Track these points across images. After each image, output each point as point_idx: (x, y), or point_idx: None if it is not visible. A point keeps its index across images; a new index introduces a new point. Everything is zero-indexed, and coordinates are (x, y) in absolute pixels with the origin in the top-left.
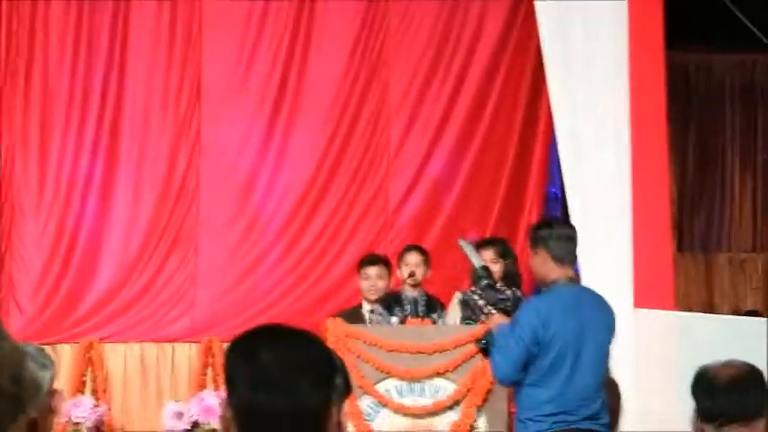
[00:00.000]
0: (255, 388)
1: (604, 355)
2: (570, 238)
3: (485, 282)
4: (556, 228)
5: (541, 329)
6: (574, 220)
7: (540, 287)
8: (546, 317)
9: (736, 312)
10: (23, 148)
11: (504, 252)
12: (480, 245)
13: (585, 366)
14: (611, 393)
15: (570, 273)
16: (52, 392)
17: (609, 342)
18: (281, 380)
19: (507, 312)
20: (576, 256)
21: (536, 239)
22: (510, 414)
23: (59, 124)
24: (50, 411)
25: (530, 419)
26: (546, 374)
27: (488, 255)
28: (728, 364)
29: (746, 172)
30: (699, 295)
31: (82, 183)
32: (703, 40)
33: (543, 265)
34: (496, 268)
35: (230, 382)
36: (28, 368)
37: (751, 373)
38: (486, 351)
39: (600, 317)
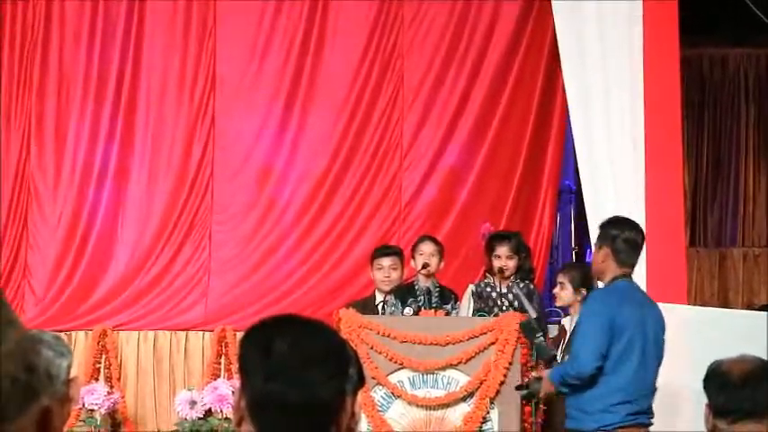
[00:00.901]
0: (269, 378)
1: (660, 351)
2: (637, 244)
3: (540, 337)
4: (626, 230)
5: (616, 315)
6: (589, 214)
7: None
8: (617, 303)
9: (750, 307)
10: (39, 136)
11: (519, 247)
12: (495, 239)
13: (648, 359)
14: None
15: (629, 273)
16: (69, 381)
17: (663, 339)
18: (294, 371)
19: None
20: (636, 262)
21: (604, 236)
22: (523, 407)
23: (75, 113)
24: (67, 399)
25: (602, 411)
26: (617, 362)
27: (503, 251)
28: (742, 360)
29: (760, 166)
30: (712, 290)
31: (97, 171)
32: (717, 35)
33: (604, 261)
34: (511, 264)
35: (244, 373)
36: (42, 356)
37: (764, 368)
38: (528, 397)
39: (655, 314)
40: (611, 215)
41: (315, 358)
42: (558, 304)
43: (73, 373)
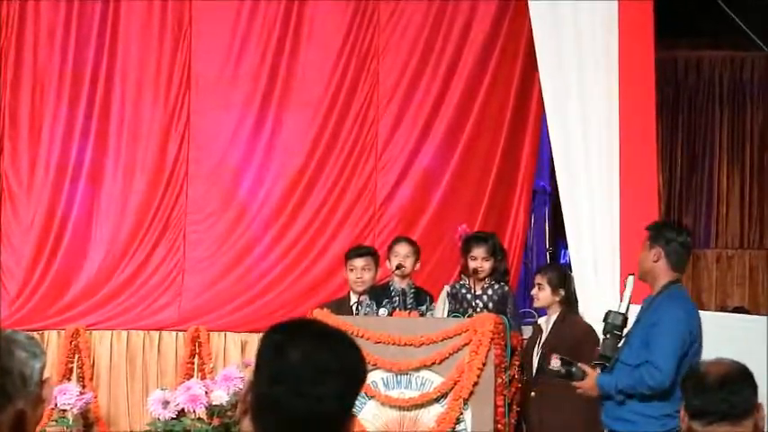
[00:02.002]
0: (275, 382)
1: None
2: (689, 250)
3: (617, 333)
4: (683, 235)
5: (693, 324)
6: (565, 215)
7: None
8: (693, 311)
9: (723, 309)
10: (13, 135)
11: (495, 249)
12: (472, 240)
13: None
14: None
15: (679, 277)
16: (42, 382)
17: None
18: (303, 381)
19: (604, 367)
20: (685, 268)
21: (657, 237)
22: (496, 407)
23: (49, 112)
24: (40, 401)
25: (667, 416)
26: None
27: (480, 252)
28: (719, 362)
29: (734, 169)
30: None
31: (71, 170)
32: (692, 37)
33: (657, 261)
34: (487, 265)
35: (256, 370)
36: (16, 358)
37: (741, 372)
38: (563, 377)
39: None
40: (586, 216)
41: (327, 372)
42: (536, 305)
43: (46, 374)
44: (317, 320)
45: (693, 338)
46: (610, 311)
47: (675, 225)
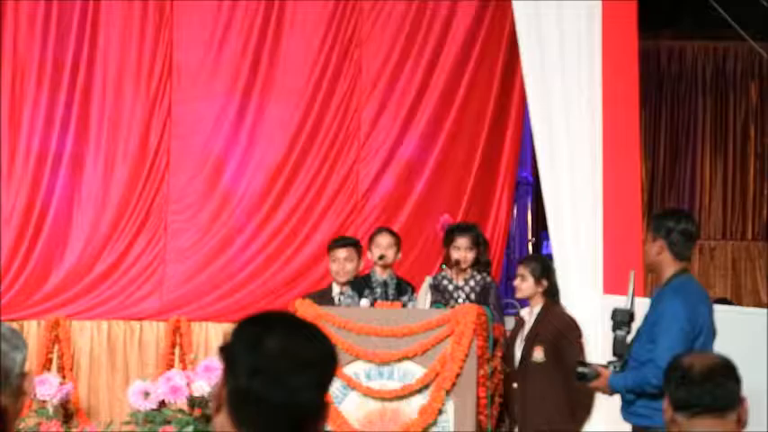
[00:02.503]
0: (253, 375)
1: None
2: (692, 236)
3: (625, 330)
4: (682, 222)
5: (696, 317)
6: (547, 206)
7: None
8: (694, 304)
9: None
10: None
11: (478, 240)
12: (455, 231)
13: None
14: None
15: (688, 267)
16: (23, 375)
17: None
18: (282, 372)
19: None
20: (691, 255)
21: (658, 227)
22: (479, 399)
23: (29, 100)
24: (21, 394)
25: None
26: None
27: (463, 242)
28: (703, 355)
29: (717, 159)
30: None
31: (51, 159)
32: (675, 27)
33: (659, 254)
34: (470, 256)
35: (230, 364)
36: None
37: (726, 365)
38: (581, 379)
39: (712, 308)
40: (568, 207)
41: (304, 363)
42: (518, 296)
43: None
44: (286, 312)
45: (698, 331)
46: (616, 309)
47: (676, 212)
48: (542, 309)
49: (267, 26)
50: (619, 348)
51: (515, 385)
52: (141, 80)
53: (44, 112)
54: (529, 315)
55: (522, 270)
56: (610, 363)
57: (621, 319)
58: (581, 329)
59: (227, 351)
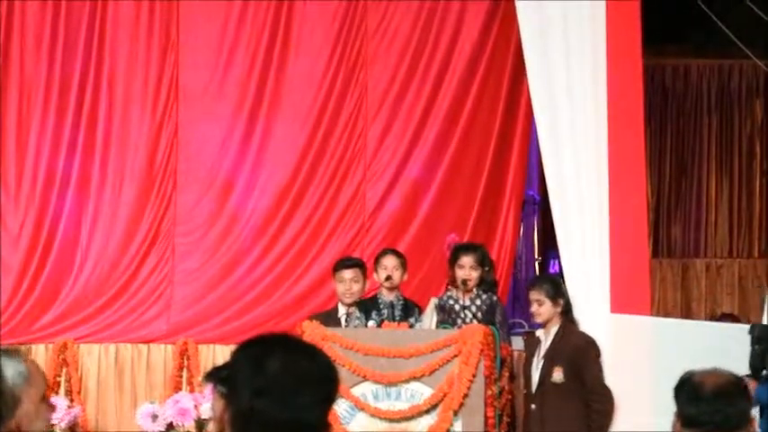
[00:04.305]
0: (258, 395)
1: None
2: None
3: (763, 345)
4: None
5: None
6: (556, 225)
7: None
8: None
9: (713, 317)
10: (0, 145)
11: (483, 259)
12: (460, 250)
13: None
14: (606, 398)
15: None
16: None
17: None
18: (285, 391)
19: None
20: None
21: None
22: (487, 419)
23: (36, 121)
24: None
25: None
26: None
27: (468, 260)
28: (714, 373)
29: (723, 177)
30: (675, 300)
31: (59, 181)
32: (680, 45)
33: None
34: (475, 275)
35: (233, 385)
36: (6, 378)
37: (736, 384)
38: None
39: None
40: (576, 225)
41: (306, 382)
42: (538, 321)
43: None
44: (286, 333)
45: None
46: (754, 324)
47: None
48: (560, 328)
49: (273, 47)
50: (757, 362)
51: (533, 407)
52: (148, 102)
53: (51, 135)
54: (545, 335)
55: (536, 295)
56: (747, 376)
57: (759, 334)
58: (599, 348)
59: (229, 373)
